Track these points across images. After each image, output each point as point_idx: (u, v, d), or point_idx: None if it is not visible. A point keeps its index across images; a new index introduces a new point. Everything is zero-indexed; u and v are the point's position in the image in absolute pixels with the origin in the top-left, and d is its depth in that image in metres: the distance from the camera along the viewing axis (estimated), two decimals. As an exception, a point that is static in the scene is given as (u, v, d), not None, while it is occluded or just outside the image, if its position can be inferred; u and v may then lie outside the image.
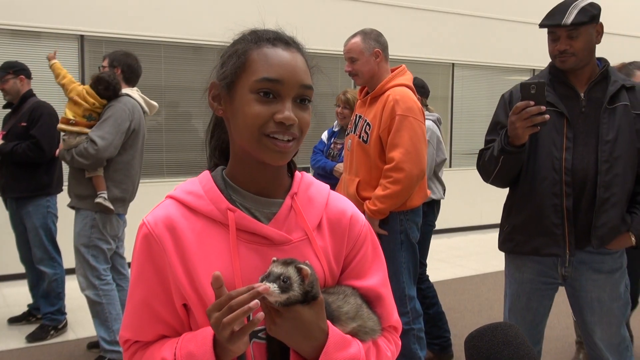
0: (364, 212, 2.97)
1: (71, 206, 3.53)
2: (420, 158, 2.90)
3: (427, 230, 3.90)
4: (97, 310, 3.46)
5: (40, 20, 5.62)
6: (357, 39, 3.01)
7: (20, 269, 4.36)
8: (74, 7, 5.76)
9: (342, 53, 3.14)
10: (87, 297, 3.47)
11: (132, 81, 3.68)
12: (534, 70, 8.80)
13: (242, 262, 1.01)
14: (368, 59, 2.99)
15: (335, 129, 4.30)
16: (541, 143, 2.21)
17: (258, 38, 1.04)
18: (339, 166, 3.93)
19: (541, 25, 2.23)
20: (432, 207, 3.89)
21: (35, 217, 4.00)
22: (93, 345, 3.78)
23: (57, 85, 3.49)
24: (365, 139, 2.99)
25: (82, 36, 5.82)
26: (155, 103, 3.75)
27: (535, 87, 2.05)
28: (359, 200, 3.00)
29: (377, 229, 2.97)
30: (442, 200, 4.09)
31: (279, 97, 1.00)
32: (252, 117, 1.00)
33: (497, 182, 2.33)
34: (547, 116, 2.04)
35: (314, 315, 0.97)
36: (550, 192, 2.19)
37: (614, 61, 2.64)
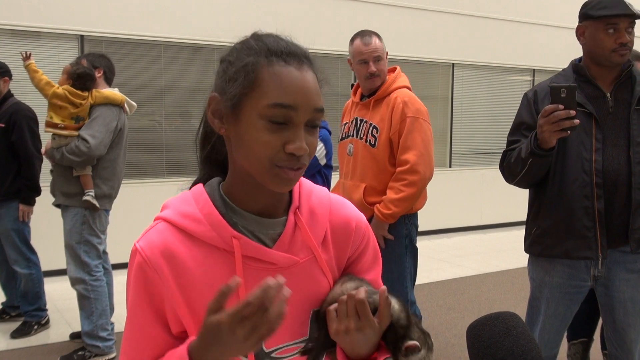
0: (371, 217, 2.93)
1: (57, 204, 3.60)
2: (431, 160, 2.90)
3: None
4: (84, 304, 3.57)
5: (40, 20, 5.62)
6: (377, 38, 2.99)
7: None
8: (74, 7, 5.77)
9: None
10: (77, 291, 3.58)
11: (111, 81, 3.76)
12: (534, 70, 8.80)
13: (248, 289, 0.95)
14: (385, 60, 3.02)
15: None
16: (570, 144, 2.17)
17: (268, 51, 0.93)
18: None
19: (603, 16, 2.14)
20: None
21: (6, 219, 3.98)
22: (76, 335, 3.89)
23: (41, 93, 3.49)
24: (372, 143, 2.95)
25: (82, 36, 5.82)
26: (134, 103, 3.81)
27: (566, 90, 1.99)
28: (367, 206, 2.95)
29: (386, 233, 2.94)
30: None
31: (291, 124, 0.92)
32: (262, 145, 0.91)
33: (522, 183, 2.29)
34: (576, 121, 1.99)
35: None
36: (581, 194, 2.16)
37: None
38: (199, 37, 6.34)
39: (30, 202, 3.99)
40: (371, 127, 2.97)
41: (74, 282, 3.57)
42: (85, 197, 3.46)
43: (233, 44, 1.00)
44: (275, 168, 0.93)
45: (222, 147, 1.05)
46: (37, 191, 4.02)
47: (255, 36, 0.98)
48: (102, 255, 3.77)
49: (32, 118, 4.01)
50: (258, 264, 0.97)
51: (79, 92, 3.45)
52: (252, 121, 0.92)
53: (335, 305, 0.99)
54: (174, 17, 6.23)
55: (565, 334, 3.39)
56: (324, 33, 6.87)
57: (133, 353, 1.00)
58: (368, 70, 2.96)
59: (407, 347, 0.99)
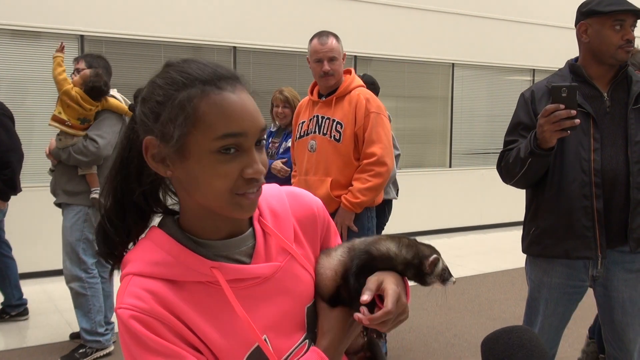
0: (336, 209, 3.06)
1: (58, 204, 3.68)
2: (393, 153, 3.12)
3: (379, 230, 3.98)
4: (81, 301, 3.61)
5: (40, 20, 5.62)
6: (333, 39, 3.13)
7: (20, 268, 4.38)
8: (74, 7, 5.77)
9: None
10: (72, 289, 3.62)
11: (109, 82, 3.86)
12: (534, 70, 8.80)
13: (247, 311, 0.94)
14: (341, 60, 3.14)
15: (273, 129, 4.34)
16: (568, 144, 2.17)
17: (198, 81, 0.89)
18: (276, 163, 4.00)
19: (611, 12, 2.15)
20: (383, 207, 3.92)
21: None
22: (76, 335, 3.91)
23: (56, 85, 3.56)
24: (337, 138, 3.07)
25: (82, 36, 5.82)
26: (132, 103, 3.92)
27: (567, 90, 1.99)
28: (334, 199, 3.07)
29: (351, 224, 3.07)
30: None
31: (242, 150, 0.90)
32: (220, 179, 0.88)
33: (520, 184, 2.28)
34: (577, 121, 1.99)
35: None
36: (580, 193, 2.16)
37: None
38: (199, 37, 6.34)
39: (5, 198, 4.03)
40: (334, 123, 3.09)
41: (70, 280, 3.62)
42: (93, 195, 3.55)
43: (150, 81, 0.95)
44: (236, 197, 0.90)
45: (157, 180, 0.98)
46: (14, 187, 4.03)
47: (175, 67, 0.93)
48: None
49: (5, 115, 4.02)
50: (244, 283, 0.96)
51: (89, 99, 3.55)
52: (202, 158, 0.88)
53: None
54: (174, 17, 6.23)
55: (588, 330, 3.42)
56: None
57: None
58: (322, 69, 3.09)
59: (429, 265, 1.04)
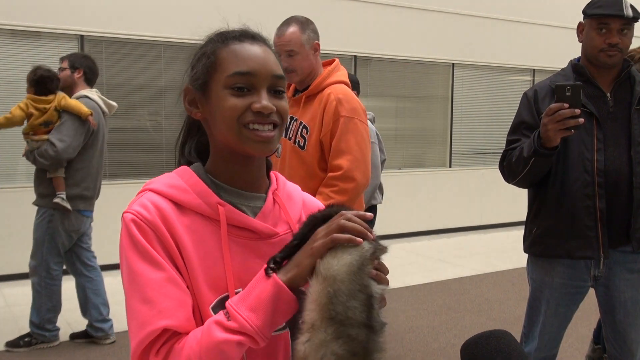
0: None
1: (36, 204, 3.78)
2: (367, 165, 2.57)
3: None
4: (35, 297, 3.75)
5: (40, 20, 5.62)
6: (295, 29, 2.61)
7: (21, 269, 4.37)
8: (74, 7, 5.77)
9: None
10: (32, 283, 3.75)
11: (92, 82, 3.85)
12: (534, 70, 8.80)
13: (232, 257, 1.01)
14: (308, 52, 2.60)
15: None
16: (571, 144, 2.17)
17: (224, 37, 1.06)
18: None
19: (594, 15, 2.16)
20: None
21: None
22: (76, 335, 3.97)
23: (17, 125, 3.65)
24: (302, 145, 2.60)
25: (82, 36, 5.82)
26: (114, 103, 3.91)
27: (571, 89, 1.99)
28: None
29: None
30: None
31: (254, 89, 1.02)
32: (229, 109, 1.00)
33: (522, 183, 2.28)
34: (581, 120, 1.99)
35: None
36: (583, 193, 2.16)
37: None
38: (199, 37, 6.34)
39: None
40: (301, 127, 2.61)
41: (31, 274, 3.74)
42: (56, 199, 3.59)
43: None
44: (245, 129, 1.00)
45: (203, 137, 1.13)
46: None
47: (215, 32, 1.10)
48: (86, 253, 3.89)
49: None
50: (241, 233, 1.03)
51: (42, 97, 3.55)
52: (219, 94, 1.02)
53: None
54: (174, 17, 6.23)
55: (593, 335, 3.40)
56: (324, 33, 6.86)
57: (164, 311, 0.93)
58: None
59: None
